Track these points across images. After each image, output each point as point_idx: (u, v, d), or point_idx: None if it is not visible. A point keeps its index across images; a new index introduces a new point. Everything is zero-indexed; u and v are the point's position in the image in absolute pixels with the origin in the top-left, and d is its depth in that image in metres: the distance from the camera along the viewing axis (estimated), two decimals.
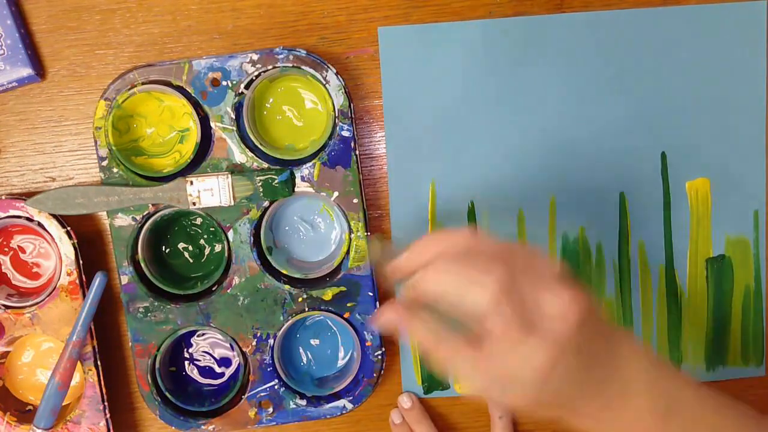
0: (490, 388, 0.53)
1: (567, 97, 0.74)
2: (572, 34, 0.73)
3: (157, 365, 0.71)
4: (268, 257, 0.71)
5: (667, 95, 0.74)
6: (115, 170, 0.69)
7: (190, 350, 0.76)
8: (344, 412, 0.73)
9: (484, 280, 0.51)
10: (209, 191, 0.69)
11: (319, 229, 0.74)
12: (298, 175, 0.70)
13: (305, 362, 0.76)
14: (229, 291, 0.71)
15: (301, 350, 0.76)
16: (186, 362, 0.76)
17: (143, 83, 0.69)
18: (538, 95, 0.74)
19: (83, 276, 0.71)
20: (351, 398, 0.73)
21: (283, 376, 0.72)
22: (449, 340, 0.52)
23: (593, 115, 0.74)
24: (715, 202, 0.75)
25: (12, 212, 0.70)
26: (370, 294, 0.71)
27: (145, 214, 0.70)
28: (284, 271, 0.71)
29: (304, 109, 0.72)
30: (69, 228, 0.70)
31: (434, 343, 0.53)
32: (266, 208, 0.70)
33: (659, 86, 0.74)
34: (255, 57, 0.69)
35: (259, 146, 0.69)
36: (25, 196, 0.71)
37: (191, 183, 0.68)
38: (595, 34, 0.73)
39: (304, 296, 0.71)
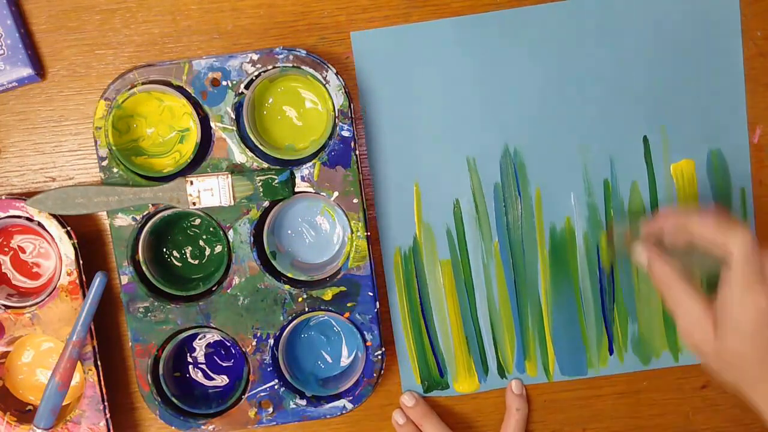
0: (705, 332, 0.63)
1: (546, 88, 0.74)
2: (547, 24, 0.74)
3: (161, 371, 0.71)
4: (272, 261, 0.71)
5: (647, 79, 0.74)
6: (115, 170, 0.69)
7: (194, 354, 0.76)
8: (344, 412, 0.73)
9: (742, 232, 0.61)
10: (209, 191, 0.69)
11: (322, 230, 0.74)
12: (298, 175, 0.70)
13: (310, 362, 0.76)
14: (229, 291, 0.71)
15: (305, 350, 0.76)
16: (190, 366, 0.76)
17: (143, 83, 0.69)
18: (516, 88, 0.74)
19: (83, 276, 0.71)
20: (351, 398, 0.73)
21: (287, 377, 0.72)
22: (686, 284, 0.64)
23: (573, 104, 0.74)
24: (701, 183, 0.76)
25: (12, 212, 0.70)
26: (370, 294, 0.71)
27: (145, 214, 0.70)
28: (289, 275, 0.71)
29: (304, 109, 0.72)
30: (69, 228, 0.70)
31: (670, 283, 0.65)
32: (267, 212, 0.71)
33: (638, 70, 0.74)
34: (255, 57, 0.69)
35: (259, 146, 0.69)
36: (25, 196, 0.71)
37: (191, 183, 0.69)
38: (570, 23, 0.74)
39: (304, 296, 0.71)
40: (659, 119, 0.75)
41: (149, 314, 0.71)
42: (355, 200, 0.70)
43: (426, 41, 0.73)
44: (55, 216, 0.70)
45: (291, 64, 0.69)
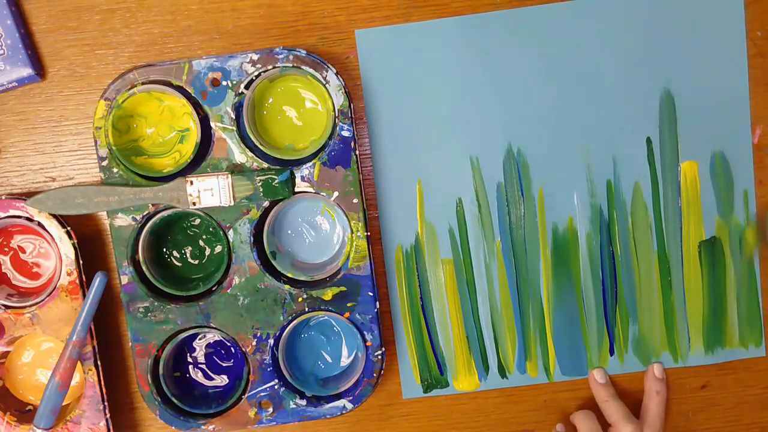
0: None
1: (549, 89, 0.74)
2: (551, 25, 0.73)
3: (161, 371, 0.71)
4: (272, 261, 0.71)
5: (650, 79, 0.74)
6: (115, 170, 0.69)
7: (194, 354, 0.76)
8: (344, 412, 0.73)
9: None
10: (209, 191, 0.69)
11: (322, 230, 0.74)
12: (298, 175, 0.70)
13: (310, 362, 0.76)
14: (229, 291, 0.71)
15: (305, 350, 0.76)
16: (190, 366, 0.76)
17: (143, 83, 0.69)
18: (520, 88, 0.74)
19: (83, 276, 0.71)
20: (351, 398, 0.73)
21: (287, 376, 0.72)
22: None
23: (577, 104, 0.74)
24: (704, 185, 0.76)
25: (12, 212, 0.70)
26: (370, 294, 0.71)
27: (145, 214, 0.70)
28: (289, 275, 0.71)
29: (304, 109, 0.72)
30: (69, 228, 0.70)
31: None
32: (267, 212, 0.71)
33: (641, 71, 0.74)
34: (255, 57, 0.69)
35: (259, 146, 0.69)
36: (25, 196, 0.71)
37: (191, 183, 0.68)
38: (573, 23, 0.73)
39: (304, 296, 0.71)
40: (663, 120, 0.75)
41: (149, 314, 0.71)
42: (355, 200, 0.70)
43: (430, 40, 0.73)
44: (55, 216, 0.70)
45: (291, 64, 0.69)
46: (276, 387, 0.72)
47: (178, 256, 0.74)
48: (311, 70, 0.69)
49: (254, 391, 0.72)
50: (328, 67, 0.69)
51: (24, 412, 0.74)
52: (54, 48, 0.73)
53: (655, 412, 0.75)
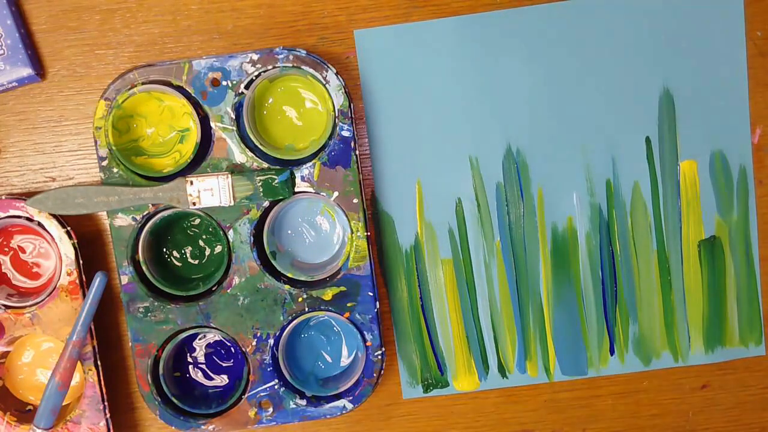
0: None
1: (548, 88, 0.74)
2: (551, 24, 0.73)
3: (161, 371, 0.71)
4: (272, 261, 0.71)
5: (649, 78, 0.74)
6: (115, 170, 0.69)
7: (194, 354, 0.76)
8: (344, 412, 0.73)
9: None
10: (209, 191, 0.69)
11: (322, 230, 0.74)
12: (298, 175, 0.70)
13: (310, 362, 0.76)
14: (229, 291, 0.71)
15: (305, 350, 0.76)
16: (190, 366, 0.76)
17: (143, 83, 0.69)
18: (519, 88, 0.74)
19: (83, 276, 0.71)
20: (351, 398, 0.73)
21: (287, 376, 0.72)
22: None
23: (576, 104, 0.74)
24: (703, 184, 0.76)
25: (12, 212, 0.70)
26: (370, 294, 0.71)
27: (145, 214, 0.70)
28: (289, 275, 0.71)
29: (304, 109, 0.72)
30: (69, 228, 0.70)
31: None
32: (267, 212, 0.71)
33: (640, 70, 0.74)
34: (255, 57, 0.69)
35: (259, 146, 0.69)
36: (25, 196, 0.71)
37: (191, 183, 0.69)
38: (572, 22, 0.73)
39: (304, 296, 0.71)
40: (662, 119, 0.75)
41: (149, 314, 0.71)
42: (355, 200, 0.70)
43: (429, 40, 0.73)
44: (55, 216, 0.70)
45: (291, 64, 0.69)
46: (276, 387, 0.72)
47: (178, 256, 0.74)
48: (311, 70, 0.69)
49: (254, 391, 0.72)
50: (328, 67, 0.69)
51: (24, 412, 0.74)
52: (54, 48, 0.73)
53: None
